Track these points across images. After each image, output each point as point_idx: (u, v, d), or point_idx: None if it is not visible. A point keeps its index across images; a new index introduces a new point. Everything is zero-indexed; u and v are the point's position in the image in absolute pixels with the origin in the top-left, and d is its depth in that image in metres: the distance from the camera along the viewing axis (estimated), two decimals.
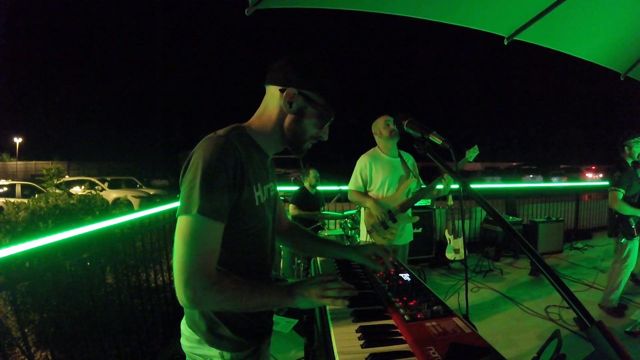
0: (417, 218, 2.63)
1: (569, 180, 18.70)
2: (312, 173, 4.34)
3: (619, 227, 3.11)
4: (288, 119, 0.98)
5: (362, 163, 2.63)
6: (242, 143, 0.95)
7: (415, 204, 2.62)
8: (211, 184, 0.86)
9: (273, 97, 0.99)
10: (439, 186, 2.58)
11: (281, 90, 0.96)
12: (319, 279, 0.96)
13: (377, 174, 2.58)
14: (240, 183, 0.91)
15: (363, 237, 2.68)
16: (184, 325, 1.05)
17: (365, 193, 2.62)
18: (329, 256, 1.39)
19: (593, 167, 23.22)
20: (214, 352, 0.99)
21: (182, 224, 0.87)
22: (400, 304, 1.01)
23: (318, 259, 1.54)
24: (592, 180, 18.96)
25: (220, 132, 0.95)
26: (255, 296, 0.90)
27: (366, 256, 1.24)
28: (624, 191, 3.03)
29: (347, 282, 0.99)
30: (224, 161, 0.88)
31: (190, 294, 0.84)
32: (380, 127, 2.61)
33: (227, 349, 0.99)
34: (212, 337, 0.99)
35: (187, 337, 1.04)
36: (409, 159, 2.72)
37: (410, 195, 2.59)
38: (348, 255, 1.29)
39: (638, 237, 3.09)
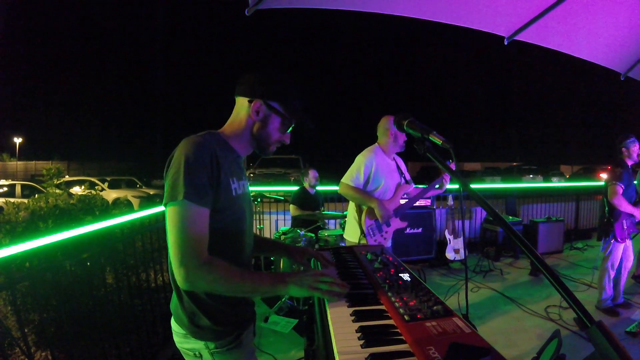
0: (406, 223, 2.57)
1: (569, 180, 18.62)
2: (312, 173, 4.34)
3: (610, 228, 3.16)
4: (256, 125, 1.12)
5: (367, 160, 2.44)
6: (217, 143, 1.07)
7: (411, 207, 2.58)
8: (193, 175, 0.96)
9: (242, 107, 1.13)
10: (437, 186, 2.56)
11: (249, 101, 1.10)
12: (313, 272, 1.06)
13: (380, 174, 2.46)
14: (218, 174, 1.01)
15: (350, 237, 2.55)
16: (172, 322, 1.13)
17: (367, 191, 2.48)
18: (276, 255, 1.52)
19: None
20: (200, 344, 1.06)
21: (171, 211, 0.96)
22: (400, 304, 1.01)
23: None
24: (592, 180, 18.83)
25: (196, 134, 1.07)
26: (247, 280, 0.98)
27: (296, 254, 1.37)
28: (623, 186, 3.09)
29: (344, 279, 1.07)
30: (202, 155, 0.99)
31: (183, 273, 0.92)
32: (399, 131, 2.48)
33: (210, 339, 1.06)
34: (194, 328, 1.05)
35: (176, 332, 1.11)
36: (400, 162, 2.65)
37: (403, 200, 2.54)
38: (282, 255, 1.41)
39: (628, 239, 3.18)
